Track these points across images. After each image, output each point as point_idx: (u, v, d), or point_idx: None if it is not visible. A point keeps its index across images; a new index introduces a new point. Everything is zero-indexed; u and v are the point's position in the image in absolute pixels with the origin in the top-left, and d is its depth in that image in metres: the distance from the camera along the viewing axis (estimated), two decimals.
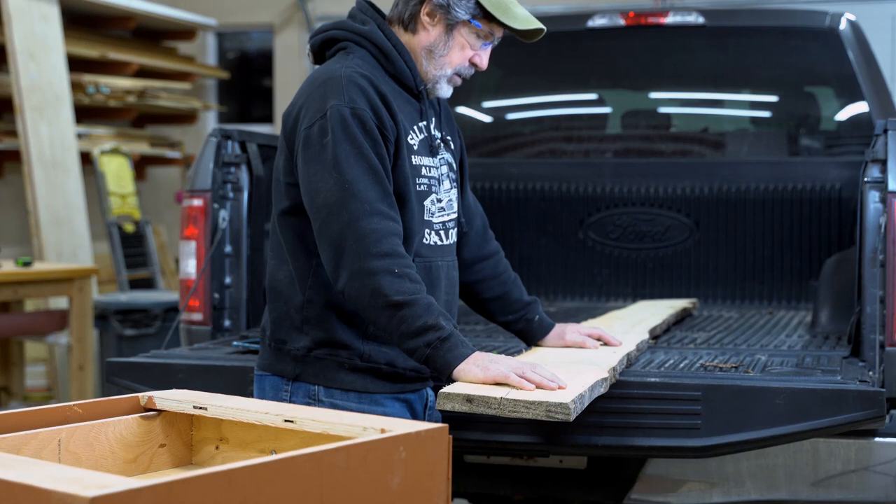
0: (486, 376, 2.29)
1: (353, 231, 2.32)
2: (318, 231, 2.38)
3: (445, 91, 2.56)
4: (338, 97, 2.39)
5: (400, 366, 2.48)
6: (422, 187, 2.52)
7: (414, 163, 2.50)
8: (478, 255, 2.82)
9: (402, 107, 2.50)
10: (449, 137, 2.67)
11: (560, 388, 2.29)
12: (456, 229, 2.65)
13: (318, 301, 2.46)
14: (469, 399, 2.24)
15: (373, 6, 2.59)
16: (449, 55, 2.52)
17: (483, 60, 2.55)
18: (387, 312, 2.30)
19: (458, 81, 2.57)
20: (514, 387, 2.29)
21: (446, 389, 2.26)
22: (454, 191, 2.63)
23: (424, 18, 2.51)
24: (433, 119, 2.60)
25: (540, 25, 2.52)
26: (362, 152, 2.36)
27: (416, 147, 2.51)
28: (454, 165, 2.66)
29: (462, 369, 2.31)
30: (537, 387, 2.29)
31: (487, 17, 2.49)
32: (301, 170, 2.42)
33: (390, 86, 2.49)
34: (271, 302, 2.55)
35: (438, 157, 2.59)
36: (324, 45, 2.59)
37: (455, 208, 2.63)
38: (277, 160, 2.53)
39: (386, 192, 2.38)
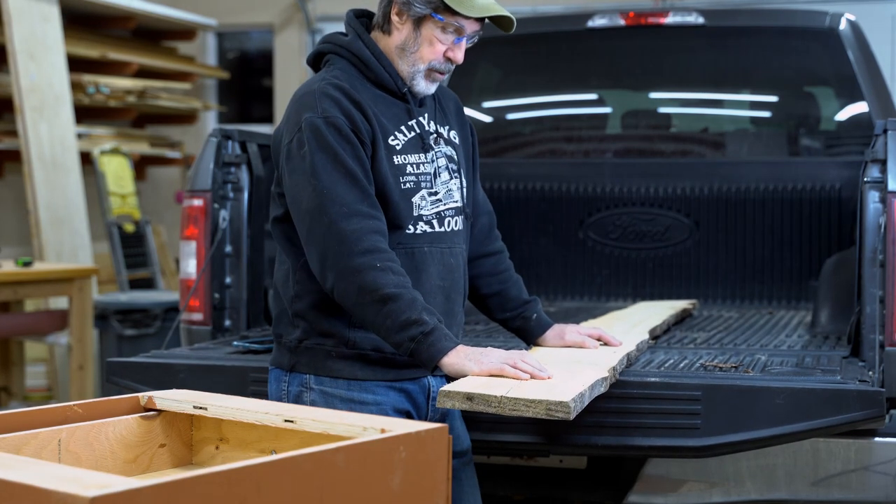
0: (482, 370, 2.38)
1: (334, 233, 2.43)
2: (305, 238, 2.50)
3: (423, 87, 2.61)
4: (311, 110, 2.50)
5: (387, 350, 2.53)
6: (407, 185, 2.57)
7: (397, 162, 2.56)
8: (479, 252, 2.85)
9: (384, 110, 2.58)
10: (453, 131, 2.72)
11: (548, 377, 2.38)
12: (459, 218, 2.68)
13: (305, 294, 2.57)
14: (469, 397, 2.25)
15: (362, 15, 2.68)
16: (419, 52, 2.57)
17: (457, 55, 2.58)
18: (373, 308, 2.40)
19: (438, 77, 2.61)
20: (509, 378, 2.36)
21: (447, 388, 2.29)
22: (454, 181, 2.67)
23: (394, 18, 2.58)
24: (426, 115, 2.65)
25: (502, 12, 2.55)
26: (338, 158, 2.46)
27: (399, 147, 2.58)
28: (455, 157, 2.70)
29: (453, 363, 2.39)
30: (531, 377, 2.38)
31: (448, 10, 2.52)
32: (286, 182, 2.54)
33: (371, 92, 2.58)
34: (274, 299, 2.69)
35: (433, 152, 2.63)
36: (316, 59, 2.71)
37: (456, 198, 2.67)
38: (275, 173, 2.65)
39: (365, 192, 2.47)
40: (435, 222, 2.61)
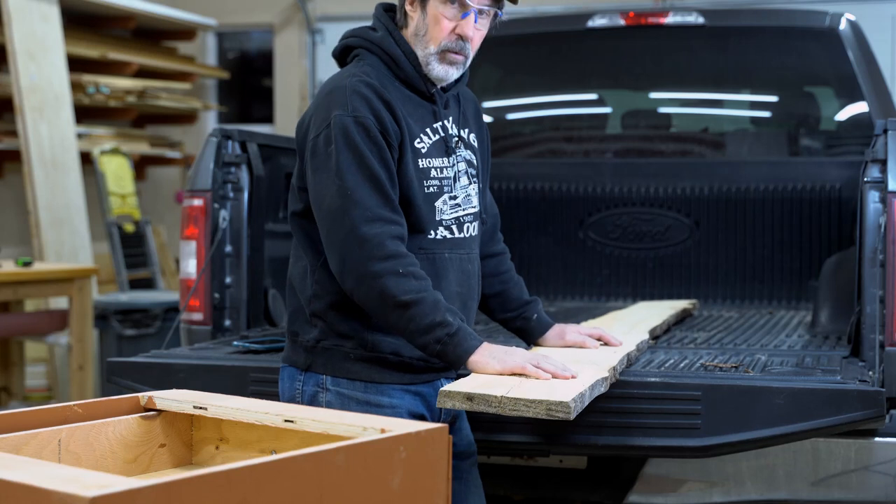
0: (504, 368, 2.40)
1: (355, 237, 2.40)
2: (325, 238, 2.47)
3: (440, 71, 2.56)
4: (341, 107, 2.46)
5: (406, 355, 2.52)
6: (431, 189, 2.55)
7: (422, 166, 2.54)
8: (482, 253, 2.83)
9: (412, 111, 2.55)
10: (472, 134, 2.71)
11: (572, 377, 2.39)
12: (476, 223, 2.67)
13: (324, 294, 2.54)
14: (470, 397, 2.25)
15: (390, 10, 2.65)
16: (428, 33, 2.54)
17: (466, 29, 2.53)
18: (396, 312, 2.39)
19: (455, 59, 2.56)
20: (531, 377, 2.38)
21: (447, 388, 2.29)
22: (473, 186, 2.66)
23: (407, 8, 2.57)
24: (450, 118, 2.64)
25: None
26: (363, 160, 2.43)
27: (425, 150, 2.56)
28: (474, 161, 2.69)
29: (479, 362, 2.40)
30: (553, 376, 2.38)
31: None
32: (309, 178, 2.51)
33: (400, 91, 2.55)
34: (289, 297, 2.65)
35: (455, 155, 2.62)
36: (343, 53, 2.67)
37: (474, 203, 2.66)
38: (296, 166, 2.62)
39: (387, 197, 2.45)
40: (454, 228, 2.60)
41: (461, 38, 2.54)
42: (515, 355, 2.43)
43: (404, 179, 2.50)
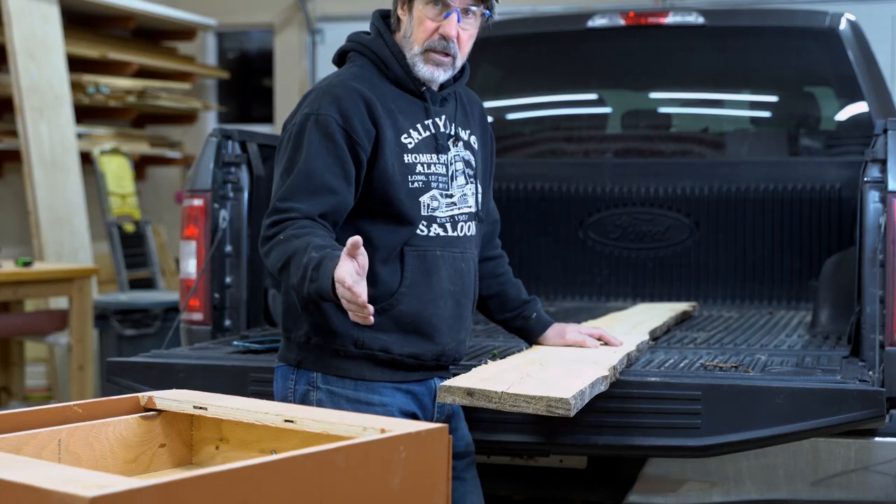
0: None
1: (265, 225, 2.49)
2: None
3: (426, 72, 2.57)
4: (309, 107, 2.53)
5: (396, 352, 2.52)
6: (416, 184, 2.56)
7: (407, 161, 2.55)
8: (479, 256, 2.83)
9: (402, 107, 2.57)
10: (473, 136, 2.71)
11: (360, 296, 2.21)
12: (472, 223, 2.67)
13: None
14: (470, 393, 2.26)
15: (388, 16, 2.67)
16: (413, 34, 2.57)
17: (448, 29, 2.54)
18: (284, 275, 2.41)
19: (440, 60, 2.56)
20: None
21: (447, 383, 2.30)
22: (470, 186, 2.66)
23: (399, 12, 2.61)
24: (443, 116, 2.64)
25: None
26: (309, 154, 2.48)
27: (412, 146, 2.57)
28: (473, 162, 2.69)
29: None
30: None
31: None
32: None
33: (390, 89, 2.58)
34: (283, 293, 2.67)
35: (449, 154, 2.62)
36: (341, 58, 2.72)
37: (470, 203, 2.66)
38: None
39: (311, 191, 2.46)
40: (448, 226, 2.60)
41: (444, 38, 2.54)
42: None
43: (384, 175, 2.51)
